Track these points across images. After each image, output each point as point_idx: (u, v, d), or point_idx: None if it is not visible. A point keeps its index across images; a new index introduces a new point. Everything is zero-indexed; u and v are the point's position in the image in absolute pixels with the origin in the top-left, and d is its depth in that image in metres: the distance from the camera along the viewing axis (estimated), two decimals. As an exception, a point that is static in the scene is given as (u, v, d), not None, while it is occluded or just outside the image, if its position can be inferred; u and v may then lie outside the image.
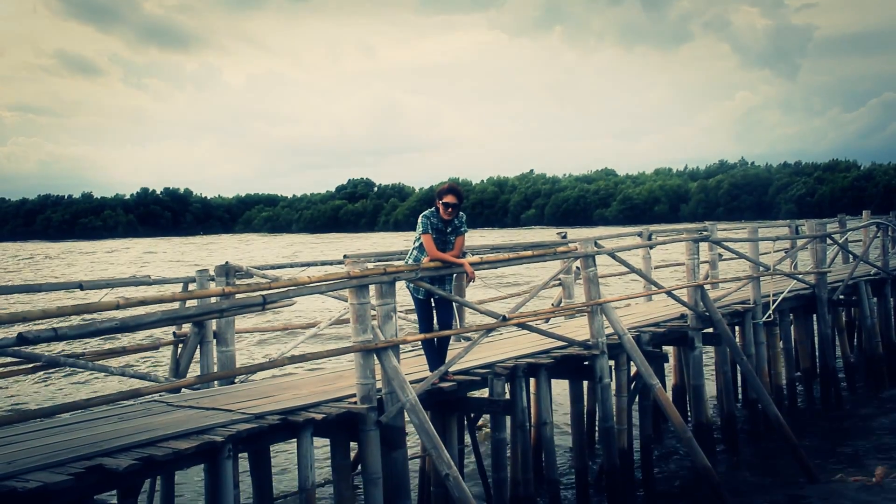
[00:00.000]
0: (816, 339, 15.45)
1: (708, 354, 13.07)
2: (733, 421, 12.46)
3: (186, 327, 9.40)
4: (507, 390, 8.76)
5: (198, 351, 9.25)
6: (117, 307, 5.83)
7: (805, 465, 11.13)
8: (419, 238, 8.12)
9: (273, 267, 10.30)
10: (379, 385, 7.38)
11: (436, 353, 8.41)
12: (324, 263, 11.11)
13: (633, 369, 10.66)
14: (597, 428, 11.60)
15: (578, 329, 10.89)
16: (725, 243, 12.95)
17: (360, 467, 7.57)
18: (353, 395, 7.36)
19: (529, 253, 9.45)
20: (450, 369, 8.26)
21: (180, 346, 9.50)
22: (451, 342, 9.52)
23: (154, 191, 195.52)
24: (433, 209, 8.16)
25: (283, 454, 12.27)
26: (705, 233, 12.50)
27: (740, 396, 14.91)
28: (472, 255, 9.68)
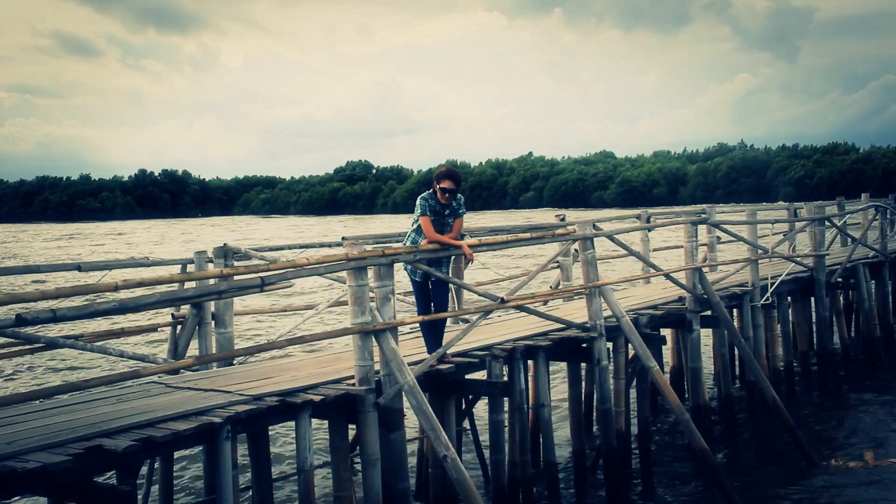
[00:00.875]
0: (814, 321, 15.48)
1: (706, 337, 13.09)
2: (731, 403, 12.49)
3: (185, 309, 9.39)
4: (505, 372, 8.77)
5: (196, 332, 9.26)
6: (116, 289, 5.82)
7: (802, 448, 11.17)
8: (417, 220, 8.10)
9: (271, 249, 10.28)
10: (377, 367, 7.39)
11: (433, 335, 8.41)
12: (322, 245, 11.10)
13: (631, 352, 10.67)
14: (594, 410, 11.63)
15: (576, 311, 10.89)
16: (724, 226, 12.94)
17: (358, 449, 7.58)
18: (352, 377, 7.36)
19: (528, 235, 9.43)
20: (448, 351, 8.26)
21: (179, 327, 9.51)
22: (449, 324, 9.52)
23: (152, 172, 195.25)
24: (431, 191, 8.13)
25: (282, 436, 12.30)
26: (704, 215, 12.48)
27: (738, 379, 14.95)
28: (470, 237, 9.66)
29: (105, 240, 79.77)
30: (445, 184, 8.04)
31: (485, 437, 10.26)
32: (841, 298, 17.46)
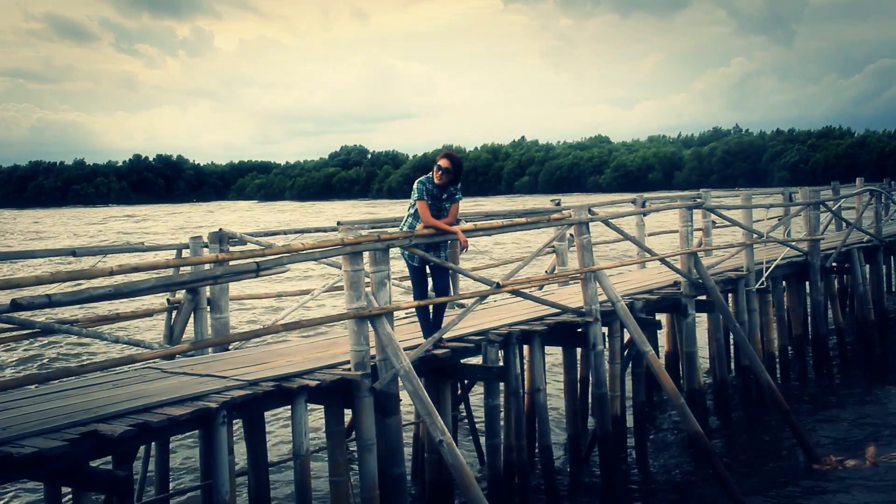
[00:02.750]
0: (809, 306, 15.51)
1: (701, 321, 13.12)
2: (726, 388, 12.54)
3: (180, 294, 9.38)
4: (500, 357, 8.78)
5: (192, 318, 9.25)
6: (111, 274, 5.81)
7: (797, 432, 11.20)
8: (414, 204, 8.08)
9: (266, 234, 10.27)
10: (373, 352, 7.39)
11: (429, 320, 8.41)
12: (317, 230, 11.08)
13: (627, 336, 10.69)
14: (590, 395, 11.64)
15: (572, 296, 10.89)
16: (719, 211, 12.94)
17: (354, 434, 7.60)
18: (347, 362, 7.36)
19: (523, 220, 9.43)
20: (443, 336, 8.27)
21: (174, 312, 9.49)
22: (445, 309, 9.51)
23: (146, 157, 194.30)
24: (428, 175, 8.12)
25: (278, 421, 12.31)
26: (699, 200, 12.48)
27: (733, 363, 14.98)
28: (466, 222, 9.65)
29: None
30: (441, 161, 8.02)
31: (480, 422, 10.29)
32: (836, 283, 17.48)
